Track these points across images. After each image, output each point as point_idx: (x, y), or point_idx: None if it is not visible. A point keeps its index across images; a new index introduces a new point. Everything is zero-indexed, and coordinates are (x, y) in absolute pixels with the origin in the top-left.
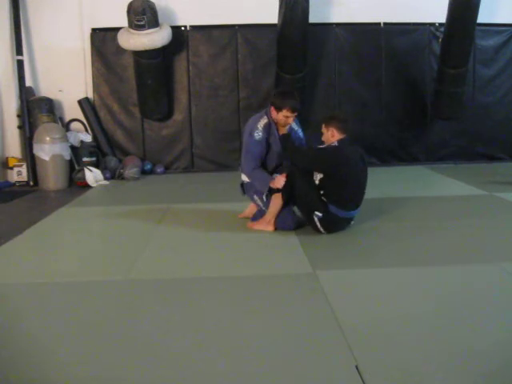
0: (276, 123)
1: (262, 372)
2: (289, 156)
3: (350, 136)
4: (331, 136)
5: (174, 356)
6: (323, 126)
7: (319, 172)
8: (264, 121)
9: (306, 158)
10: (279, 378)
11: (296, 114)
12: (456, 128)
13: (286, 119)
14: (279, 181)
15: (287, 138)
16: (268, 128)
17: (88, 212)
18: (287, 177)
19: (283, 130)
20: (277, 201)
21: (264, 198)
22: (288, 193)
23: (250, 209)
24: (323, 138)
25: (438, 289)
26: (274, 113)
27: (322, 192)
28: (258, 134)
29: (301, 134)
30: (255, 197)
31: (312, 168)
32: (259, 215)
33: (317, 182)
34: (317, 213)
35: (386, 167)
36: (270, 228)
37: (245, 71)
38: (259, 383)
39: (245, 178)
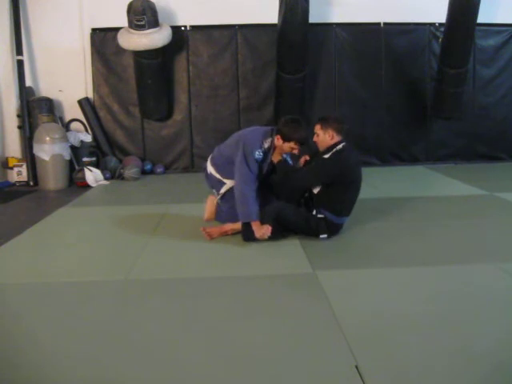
0: (274, 148)
1: (262, 372)
2: (291, 181)
3: (345, 137)
4: (330, 139)
5: (174, 356)
6: (319, 127)
7: (327, 182)
8: (268, 144)
9: (311, 176)
10: (279, 378)
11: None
12: (456, 128)
13: (291, 149)
14: (264, 233)
15: (285, 164)
16: (267, 152)
17: (88, 212)
18: (273, 228)
19: (278, 156)
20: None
21: (219, 200)
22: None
23: (209, 208)
24: (317, 139)
25: (438, 289)
26: (279, 141)
27: (320, 201)
28: (259, 154)
29: None
30: (214, 190)
31: (320, 183)
32: (224, 215)
33: (316, 191)
34: (321, 236)
35: (386, 167)
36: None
37: (245, 71)
38: (259, 383)
39: (212, 169)
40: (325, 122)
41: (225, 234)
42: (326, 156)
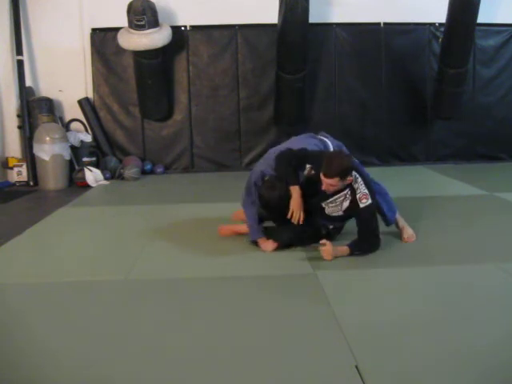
0: None
1: (262, 372)
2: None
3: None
4: (349, 181)
5: (174, 356)
6: (337, 179)
7: None
8: None
9: (375, 225)
10: (279, 378)
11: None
12: (456, 128)
13: None
14: (267, 247)
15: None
16: None
17: (88, 212)
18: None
19: None
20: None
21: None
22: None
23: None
24: (332, 189)
25: (438, 289)
26: None
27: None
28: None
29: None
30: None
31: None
32: None
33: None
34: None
35: (386, 167)
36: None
37: (245, 71)
38: (259, 383)
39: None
40: (341, 173)
41: (236, 234)
42: (362, 205)
